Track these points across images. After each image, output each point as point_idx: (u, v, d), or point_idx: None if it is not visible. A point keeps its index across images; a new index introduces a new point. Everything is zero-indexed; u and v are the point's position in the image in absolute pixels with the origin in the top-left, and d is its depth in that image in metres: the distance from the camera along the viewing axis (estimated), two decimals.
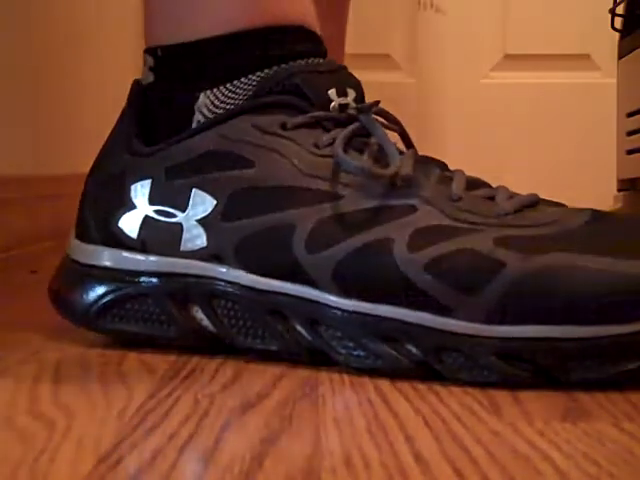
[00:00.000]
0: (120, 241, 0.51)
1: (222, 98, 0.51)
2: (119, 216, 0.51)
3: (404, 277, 0.44)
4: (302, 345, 0.47)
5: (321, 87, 0.51)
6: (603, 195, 1.51)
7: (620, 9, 1.43)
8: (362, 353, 0.45)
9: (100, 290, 0.51)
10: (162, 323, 0.50)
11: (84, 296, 0.51)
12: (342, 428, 0.36)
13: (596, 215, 0.46)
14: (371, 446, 0.34)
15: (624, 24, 1.43)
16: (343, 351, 0.46)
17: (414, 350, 0.44)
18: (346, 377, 0.44)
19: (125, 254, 0.51)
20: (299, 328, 0.47)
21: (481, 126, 1.79)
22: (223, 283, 0.49)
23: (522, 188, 0.50)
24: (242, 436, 0.35)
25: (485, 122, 1.80)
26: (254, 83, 0.51)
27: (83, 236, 0.53)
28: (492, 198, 0.47)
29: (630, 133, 1.41)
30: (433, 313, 0.44)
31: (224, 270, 0.49)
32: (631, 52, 1.40)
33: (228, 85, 0.51)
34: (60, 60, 1.19)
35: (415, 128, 2.02)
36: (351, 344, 0.46)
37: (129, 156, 0.52)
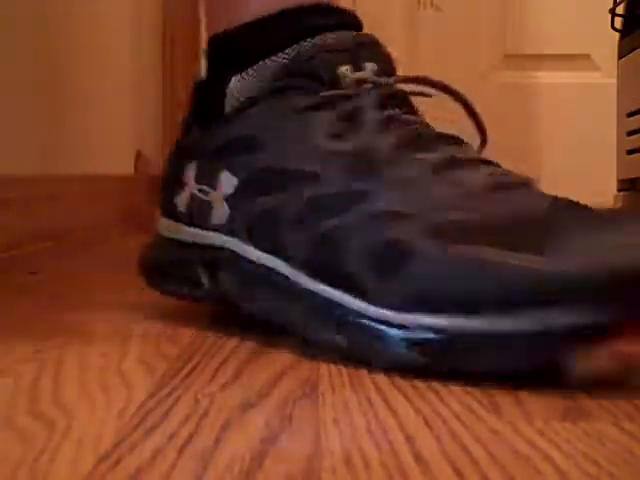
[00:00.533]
0: (176, 215, 0.59)
1: (249, 81, 0.55)
2: (176, 193, 0.58)
3: (346, 261, 0.47)
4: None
5: (331, 65, 0.53)
6: (603, 195, 1.51)
7: (620, 9, 1.43)
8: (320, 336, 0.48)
9: (161, 256, 0.60)
10: (196, 285, 0.57)
11: (152, 261, 0.61)
12: (342, 428, 0.36)
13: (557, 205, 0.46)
14: (371, 446, 0.34)
15: (624, 24, 1.43)
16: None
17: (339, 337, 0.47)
18: (346, 377, 0.44)
19: (177, 225, 0.59)
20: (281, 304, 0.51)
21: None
22: (238, 256, 0.53)
23: None
24: (242, 436, 0.35)
25: (485, 122, 1.79)
26: (273, 65, 0.54)
27: (161, 210, 0.61)
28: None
29: (630, 133, 1.41)
30: (354, 296, 0.46)
31: (240, 244, 0.53)
32: (631, 52, 1.40)
33: (250, 70, 0.55)
34: (60, 62, 1.19)
35: None
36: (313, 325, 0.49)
37: (187, 140, 0.59)
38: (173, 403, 0.39)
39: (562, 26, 1.87)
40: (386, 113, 0.52)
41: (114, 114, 1.40)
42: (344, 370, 0.46)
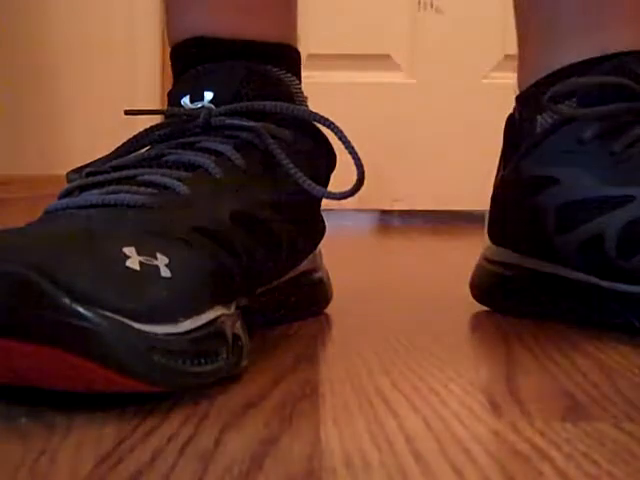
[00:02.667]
0: None
1: None
2: None
3: None
4: None
5: (176, 94, 0.56)
6: None
7: None
8: None
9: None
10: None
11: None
12: (342, 428, 0.36)
13: None
14: (371, 446, 0.33)
15: None
16: None
17: None
18: (346, 378, 0.44)
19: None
20: None
21: (481, 126, 1.79)
22: None
23: None
24: (242, 436, 0.35)
25: (485, 122, 1.79)
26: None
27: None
28: None
29: None
30: None
31: None
32: None
33: None
34: (61, 61, 1.19)
35: (415, 128, 2.02)
36: None
37: None
38: (173, 404, 0.39)
39: None
40: None
41: (114, 114, 1.39)
42: (344, 371, 0.46)
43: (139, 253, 0.40)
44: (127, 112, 0.55)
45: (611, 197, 0.56)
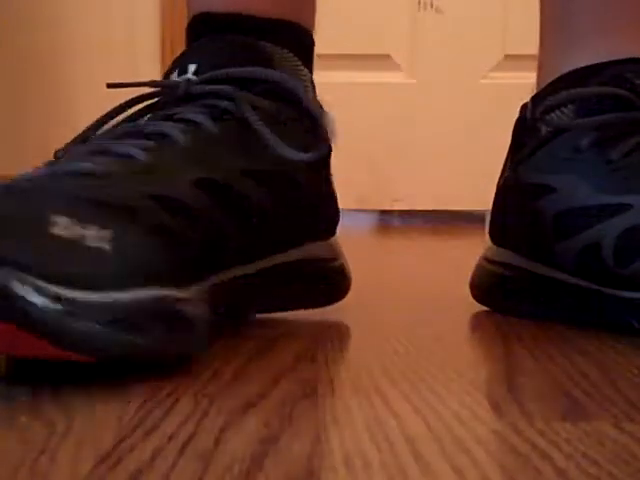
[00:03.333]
0: None
1: None
2: None
3: None
4: None
5: (167, 72, 0.55)
6: None
7: None
8: None
9: None
10: None
11: None
12: (342, 428, 0.36)
13: None
14: (371, 446, 0.33)
15: None
16: None
17: None
18: (346, 378, 0.44)
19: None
20: None
21: (481, 126, 1.79)
22: None
23: None
24: (242, 436, 0.35)
25: (485, 122, 1.79)
26: None
27: None
28: None
29: None
30: None
31: None
32: None
33: None
34: (60, 61, 1.19)
35: (415, 128, 2.02)
36: None
37: None
38: (173, 403, 0.39)
39: None
40: None
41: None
42: (344, 371, 0.46)
43: (71, 221, 0.40)
44: (109, 85, 0.55)
45: (608, 205, 0.56)
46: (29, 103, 1.07)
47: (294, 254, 0.58)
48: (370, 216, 1.85)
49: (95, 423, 0.36)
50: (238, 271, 0.52)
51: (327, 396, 0.41)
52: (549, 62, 0.65)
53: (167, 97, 0.53)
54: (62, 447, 0.33)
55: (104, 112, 0.53)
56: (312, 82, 0.61)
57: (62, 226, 0.40)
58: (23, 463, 0.31)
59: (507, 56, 1.87)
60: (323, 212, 0.60)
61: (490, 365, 0.51)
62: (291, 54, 0.59)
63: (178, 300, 0.43)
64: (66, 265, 0.39)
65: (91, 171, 0.44)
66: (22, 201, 0.41)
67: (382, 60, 1.81)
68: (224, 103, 0.52)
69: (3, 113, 0.98)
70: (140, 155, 0.46)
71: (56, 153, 0.51)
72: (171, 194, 0.45)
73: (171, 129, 0.49)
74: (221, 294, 0.48)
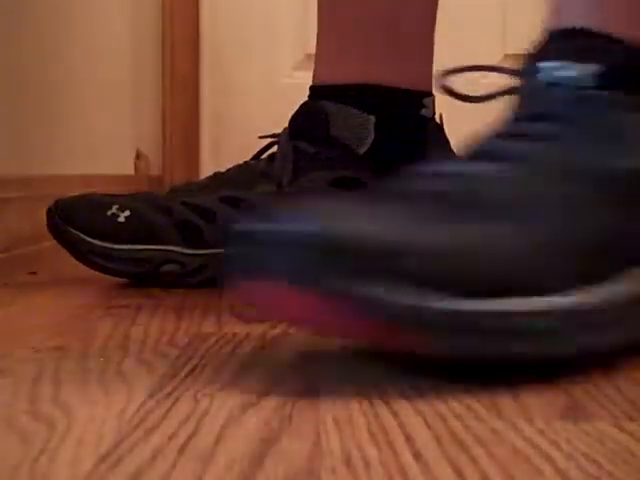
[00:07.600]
0: None
1: None
2: None
3: None
4: None
5: None
6: None
7: None
8: None
9: None
10: None
11: None
12: (342, 428, 0.36)
13: None
14: (371, 446, 0.34)
15: None
16: None
17: None
18: (346, 377, 0.44)
19: None
20: None
21: (481, 126, 1.79)
22: None
23: None
24: (242, 436, 0.35)
25: (485, 122, 1.79)
26: None
27: None
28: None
29: None
30: None
31: None
32: None
33: None
34: (60, 62, 1.19)
35: None
36: None
37: None
38: (173, 403, 0.39)
39: None
40: None
41: (114, 114, 1.40)
42: (344, 370, 0.46)
43: None
44: None
45: None
46: (29, 103, 1.07)
47: None
48: None
49: (95, 423, 0.36)
50: None
51: (327, 396, 0.41)
52: None
53: None
54: (62, 447, 0.33)
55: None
56: None
57: None
58: (23, 463, 0.31)
59: (507, 56, 1.87)
60: None
61: (490, 365, 0.51)
62: (362, 112, 0.82)
63: None
64: None
65: None
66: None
67: None
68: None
69: (3, 113, 0.99)
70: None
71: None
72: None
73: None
74: None
